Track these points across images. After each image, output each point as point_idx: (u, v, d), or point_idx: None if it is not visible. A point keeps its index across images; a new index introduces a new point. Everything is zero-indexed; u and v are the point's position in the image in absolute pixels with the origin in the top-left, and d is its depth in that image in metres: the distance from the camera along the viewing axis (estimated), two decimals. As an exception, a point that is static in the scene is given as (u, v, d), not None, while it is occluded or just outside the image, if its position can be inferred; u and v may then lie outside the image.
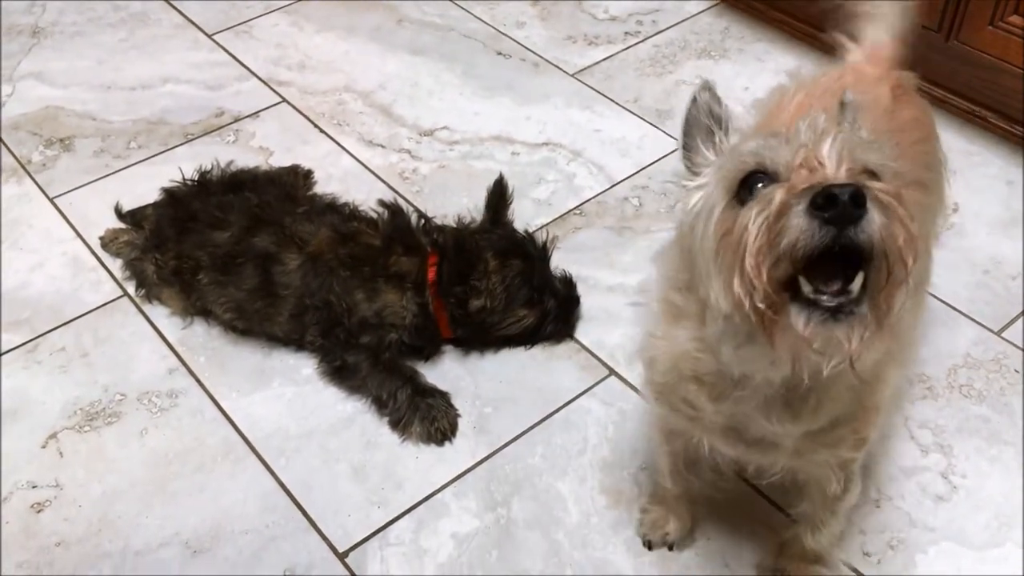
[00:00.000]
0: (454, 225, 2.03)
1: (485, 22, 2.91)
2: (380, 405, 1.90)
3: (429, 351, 2.01)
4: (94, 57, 2.78)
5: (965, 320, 2.07)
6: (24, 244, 2.25)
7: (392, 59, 2.78)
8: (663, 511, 1.69)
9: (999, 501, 1.77)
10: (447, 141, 2.52)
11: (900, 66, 1.69)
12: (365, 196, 2.30)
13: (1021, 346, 2.01)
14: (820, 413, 1.22)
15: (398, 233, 1.96)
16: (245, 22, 2.92)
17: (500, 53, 2.80)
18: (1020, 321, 2.06)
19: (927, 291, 1.94)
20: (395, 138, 2.53)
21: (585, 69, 2.74)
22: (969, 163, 2.40)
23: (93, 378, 1.97)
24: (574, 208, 2.33)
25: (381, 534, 1.73)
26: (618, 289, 2.13)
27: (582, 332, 2.05)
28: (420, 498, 1.78)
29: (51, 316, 2.09)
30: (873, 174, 1.05)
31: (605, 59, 2.77)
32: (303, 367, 1.99)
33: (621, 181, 2.40)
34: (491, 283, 1.91)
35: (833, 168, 1.01)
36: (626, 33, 2.87)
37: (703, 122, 1.19)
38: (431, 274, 1.92)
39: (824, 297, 0.96)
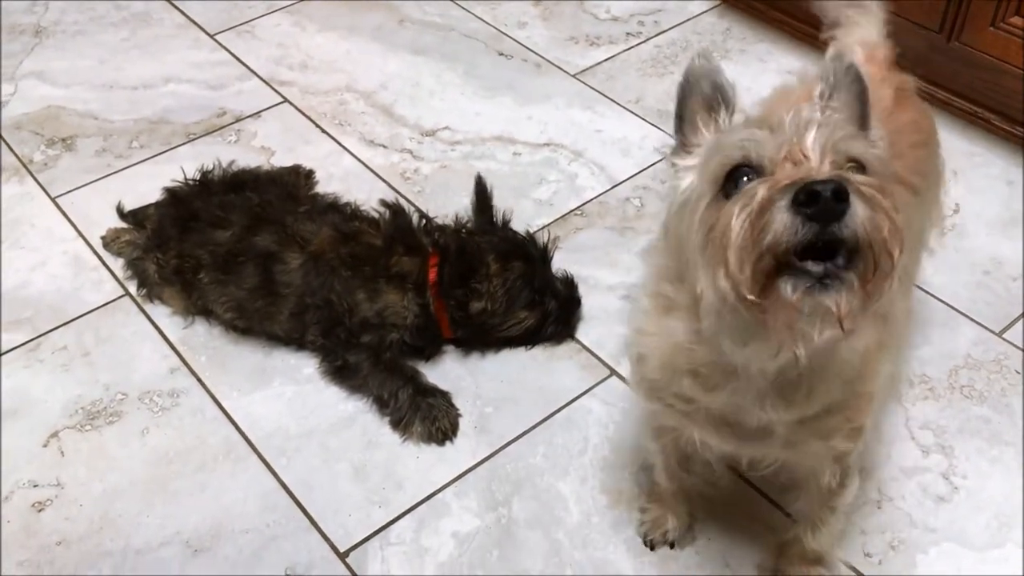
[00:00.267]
0: (454, 226, 2.03)
1: (486, 22, 2.91)
2: (381, 404, 1.90)
3: (430, 351, 2.01)
4: (96, 56, 2.78)
5: (966, 321, 2.07)
6: (26, 243, 2.25)
7: (394, 59, 2.78)
8: (662, 509, 1.69)
9: (1000, 502, 1.76)
10: (448, 141, 2.52)
11: (896, 67, 1.69)
12: (366, 196, 2.30)
13: (1022, 347, 2.01)
14: (813, 399, 1.22)
15: (399, 233, 1.96)
16: (247, 22, 2.92)
17: (502, 53, 2.80)
18: (1021, 322, 2.06)
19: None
20: (396, 138, 2.53)
21: (587, 69, 2.74)
22: (970, 164, 2.40)
23: (94, 377, 1.98)
24: (575, 208, 2.33)
25: (382, 533, 1.73)
26: (619, 289, 2.13)
27: (583, 332, 2.05)
28: (421, 498, 1.78)
29: (52, 315, 2.09)
30: (859, 163, 1.05)
31: (607, 59, 2.78)
32: (304, 366, 1.99)
33: (623, 181, 2.40)
34: (492, 286, 1.92)
35: (817, 160, 1.01)
36: (628, 34, 2.87)
37: (701, 90, 1.17)
38: (432, 275, 1.92)
39: (809, 263, 0.97)
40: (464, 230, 2.00)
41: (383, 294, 1.91)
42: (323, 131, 2.55)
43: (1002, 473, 1.81)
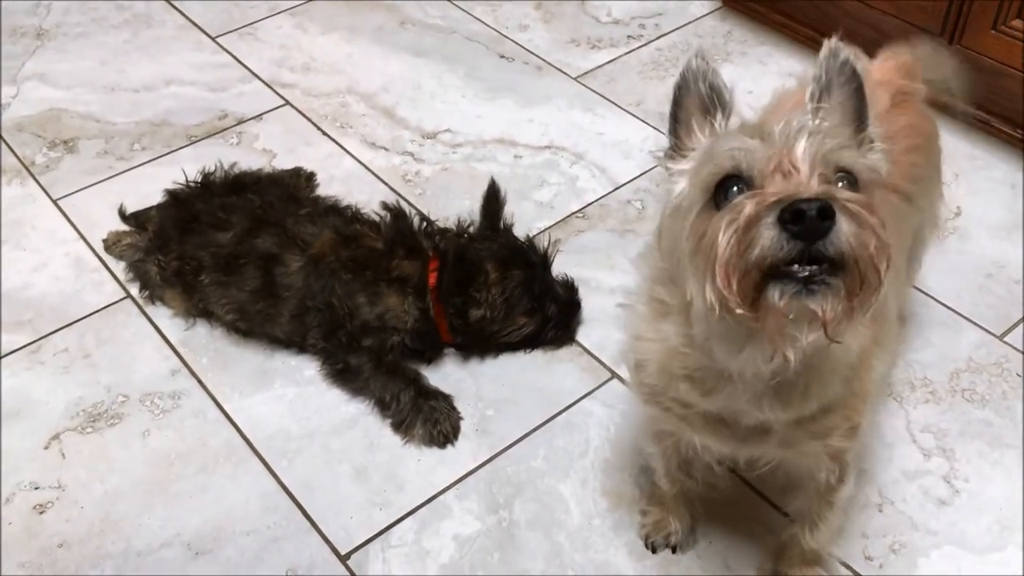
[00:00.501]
0: (455, 229, 2.02)
1: (488, 24, 2.91)
2: (383, 407, 1.90)
3: (431, 354, 2.00)
4: (98, 58, 2.79)
5: (967, 324, 2.07)
6: (27, 245, 2.25)
7: (395, 61, 2.78)
8: (663, 512, 1.69)
9: (1001, 505, 1.76)
10: (450, 143, 2.52)
11: (911, 75, 1.69)
12: (367, 198, 2.31)
13: (1023, 350, 2.01)
14: (809, 399, 1.23)
15: (400, 236, 1.96)
16: (249, 24, 2.92)
17: (503, 56, 2.81)
18: (1022, 325, 2.06)
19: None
20: (398, 140, 2.53)
21: (588, 72, 2.74)
22: (972, 167, 2.40)
23: (96, 379, 1.98)
24: (577, 211, 2.34)
25: (383, 536, 1.73)
26: (620, 291, 2.12)
27: (584, 335, 2.05)
28: (422, 500, 1.78)
29: (54, 317, 2.09)
30: (849, 172, 1.05)
31: (608, 62, 2.78)
32: (305, 368, 1.99)
33: (624, 184, 2.40)
34: (491, 295, 1.92)
35: (807, 172, 1.01)
36: (629, 36, 2.87)
37: (697, 90, 1.17)
38: (432, 279, 1.92)
39: (795, 267, 0.97)
40: (466, 235, 2.00)
41: (383, 297, 1.91)
42: (324, 133, 2.56)
43: (1003, 476, 1.81)
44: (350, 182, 2.40)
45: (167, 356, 2.02)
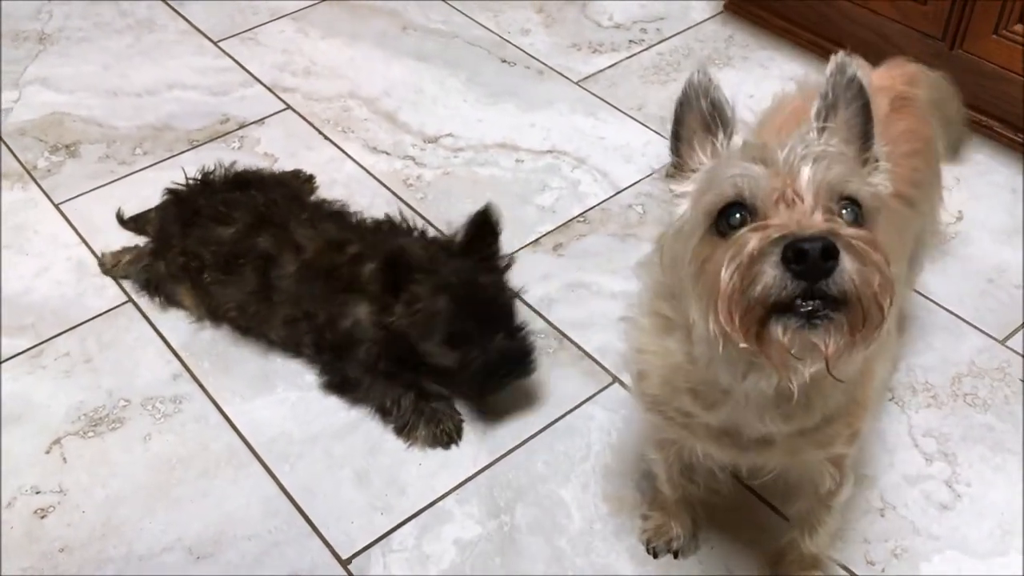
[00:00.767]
0: (442, 241, 1.90)
1: (489, 29, 2.92)
2: (384, 413, 1.89)
3: (408, 378, 1.88)
4: (100, 63, 2.79)
5: (969, 328, 2.06)
6: (29, 249, 2.26)
7: (397, 66, 2.79)
8: (664, 517, 1.69)
9: (1003, 509, 1.76)
10: (451, 148, 2.52)
11: (911, 82, 1.68)
12: (368, 202, 2.31)
13: (1025, 354, 2.01)
14: (812, 411, 1.23)
15: (380, 246, 1.84)
16: (251, 29, 2.93)
17: (504, 60, 2.81)
18: None
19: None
20: (399, 145, 2.53)
21: (589, 76, 2.74)
22: (974, 171, 2.40)
23: (97, 383, 1.98)
24: (578, 215, 2.34)
25: (384, 540, 1.73)
26: (621, 296, 2.13)
27: (585, 339, 2.05)
28: (423, 504, 1.78)
29: (56, 321, 2.09)
30: (853, 200, 1.05)
31: (609, 67, 2.78)
32: (307, 373, 1.99)
33: (625, 188, 2.41)
34: (409, 309, 1.77)
35: (811, 202, 1.01)
36: (630, 41, 2.87)
37: (699, 107, 1.16)
38: None
39: (798, 301, 0.97)
40: (447, 250, 1.84)
41: (352, 307, 1.85)
42: (326, 138, 2.56)
43: (1005, 481, 1.81)
44: (351, 186, 2.40)
45: (169, 360, 2.02)
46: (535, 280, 2.16)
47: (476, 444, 1.88)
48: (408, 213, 2.02)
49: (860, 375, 1.25)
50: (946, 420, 1.90)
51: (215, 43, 2.87)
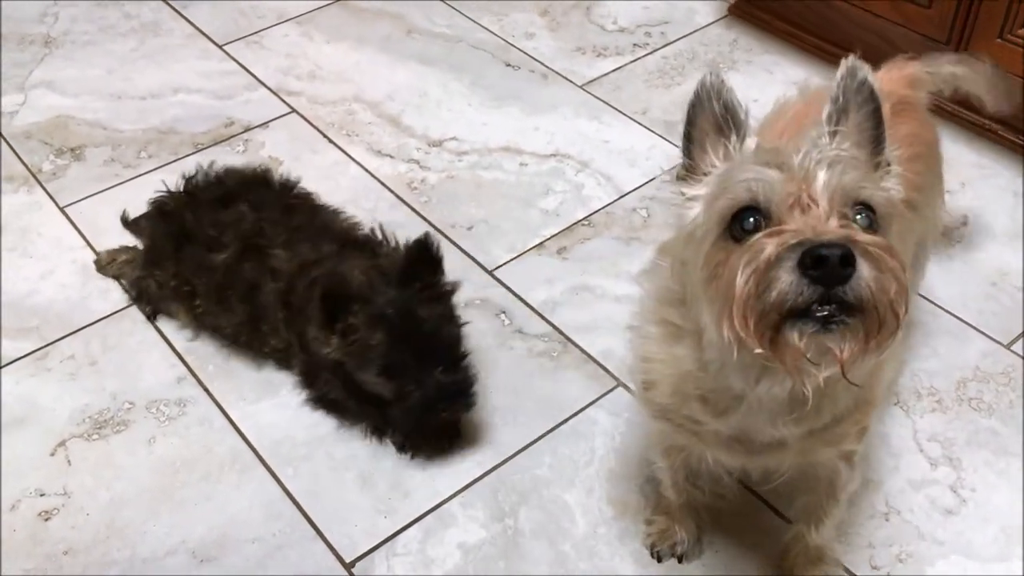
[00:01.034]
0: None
1: (494, 33, 2.92)
2: (380, 435, 1.87)
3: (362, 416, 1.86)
4: (105, 66, 2.80)
5: (974, 332, 2.06)
6: (34, 252, 2.26)
7: (401, 69, 2.79)
8: (668, 521, 1.69)
9: (1007, 514, 1.76)
10: (456, 151, 2.53)
11: (914, 85, 1.68)
12: (373, 205, 2.32)
13: (1030, 359, 2.01)
14: (823, 413, 1.23)
15: (343, 267, 1.79)
16: (255, 32, 2.93)
17: (509, 64, 2.81)
18: (1029, 334, 2.06)
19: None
20: (404, 148, 2.54)
21: (594, 80, 2.75)
22: (978, 175, 2.40)
23: (102, 386, 1.98)
24: (582, 219, 2.34)
25: (388, 544, 1.73)
26: (625, 299, 2.12)
27: (589, 343, 2.05)
28: (427, 508, 1.78)
29: (60, 324, 2.09)
30: (867, 206, 1.05)
31: (614, 70, 2.78)
32: (311, 376, 1.99)
33: (629, 192, 2.41)
34: (345, 340, 1.71)
35: (826, 207, 1.01)
36: (635, 45, 2.87)
37: (711, 109, 1.15)
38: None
39: (815, 306, 0.97)
40: (387, 278, 1.75)
41: (311, 335, 1.78)
42: (330, 141, 2.56)
43: (1009, 485, 1.80)
44: (356, 190, 2.41)
45: (173, 363, 2.02)
46: (539, 284, 2.16)
47: (480, 448, 1.88)
48: (389, 227, 1.92)
49: (870, 376, 1.25)
50: (951, 425, 1.90)
51: (220, 47, 2.88)
